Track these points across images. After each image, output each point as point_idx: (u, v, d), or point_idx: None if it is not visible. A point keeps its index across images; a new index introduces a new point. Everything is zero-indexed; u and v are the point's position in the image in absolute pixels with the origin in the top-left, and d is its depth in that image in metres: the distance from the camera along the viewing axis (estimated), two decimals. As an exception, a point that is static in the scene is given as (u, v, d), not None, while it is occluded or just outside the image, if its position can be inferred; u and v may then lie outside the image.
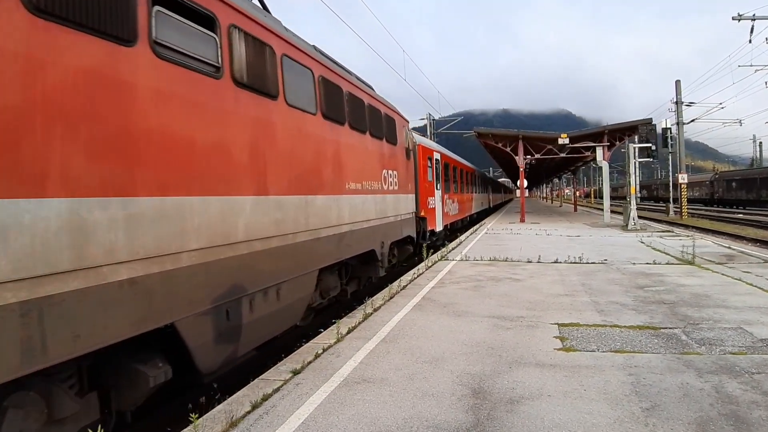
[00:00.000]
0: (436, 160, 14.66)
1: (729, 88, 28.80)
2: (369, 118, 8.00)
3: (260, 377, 4.21)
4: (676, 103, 28.87)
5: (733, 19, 22.29)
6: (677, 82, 29.16)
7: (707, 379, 3.79)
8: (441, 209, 14.84)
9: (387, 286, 7.84)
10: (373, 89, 9.00)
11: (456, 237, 17.00)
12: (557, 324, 5.45)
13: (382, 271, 8.76)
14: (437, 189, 14.47)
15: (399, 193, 9.78)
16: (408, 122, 11.43)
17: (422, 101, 31.85)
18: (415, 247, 11.85)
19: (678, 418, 3.16)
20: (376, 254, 8.27)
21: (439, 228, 14.39)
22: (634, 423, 3.11)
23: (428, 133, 34.21)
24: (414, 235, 11.20)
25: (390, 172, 9.13)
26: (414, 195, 11.38)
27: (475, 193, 26.57)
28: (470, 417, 3.25)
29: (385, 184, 8.80)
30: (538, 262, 10.25)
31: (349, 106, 7.03)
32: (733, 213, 33.91)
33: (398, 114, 10.27)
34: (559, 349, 4.59)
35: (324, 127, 6.10)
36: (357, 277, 8.27)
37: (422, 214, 12.18)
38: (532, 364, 4.22)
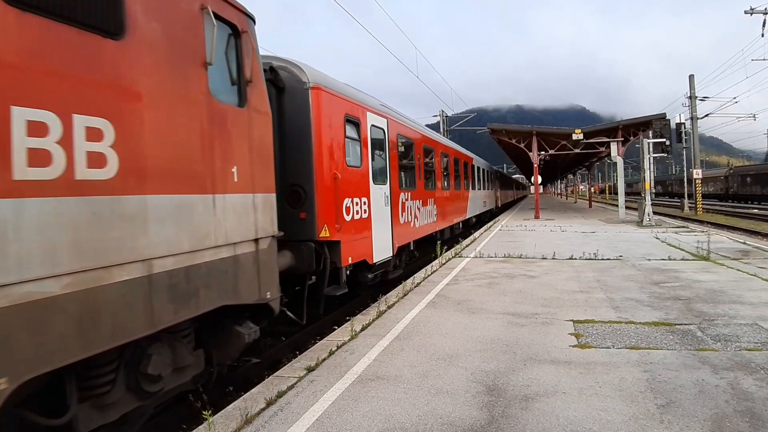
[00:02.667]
0: (375, 127, 7.82)
1: (742, 83, 28.17)
2: None
3: (275, 374, 4.28)
4: (690, 97, 28.34)
5: (746, 13, 21.83)
6: (691, 77, 28.61)
7: (723, 375, 3.76)
8: (391, 220, 8.33)
9: (401, 283, 7.89)
10: None
11: (422, 261, 11.01)
12: (572, 321, 5.44)
13: None
14: (380, 183, 7.88)
15: (162, 191, 3.30)
16: (253, 20, 4.60)
17: (435, 98, 31.75)
18: (297, 312, 5.78)
19: (693, 414, 3.15)
20: None
21: (384, 255, 7.85)
22: (649, 420, 3.10)
23: (441, 129, 34.11)
24: (269, 295, 4.46)
25: (103, 126, 2.85)
26: (273, 195, 4.75)
27: (474, 189, 19.72)
28: (485, 414, 3.28)
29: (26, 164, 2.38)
30: (553, 258, 10.19)
31: None
32: (748, 208, 33.15)
33: None
34: (574, 346, 4.58)
35: None
36: None
37: (327, 235, 5.98)
38: (547, 361, 4.23)
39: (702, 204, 29.54)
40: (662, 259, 9.63)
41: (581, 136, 21.04)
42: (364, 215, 7.15)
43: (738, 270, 8.24)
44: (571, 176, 62.38)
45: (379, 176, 7.97)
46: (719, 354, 4.23)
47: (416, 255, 10.72)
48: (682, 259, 9.59)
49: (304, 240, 5.85)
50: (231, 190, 3.94)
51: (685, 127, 22.07)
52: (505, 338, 4.91)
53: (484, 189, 23.07)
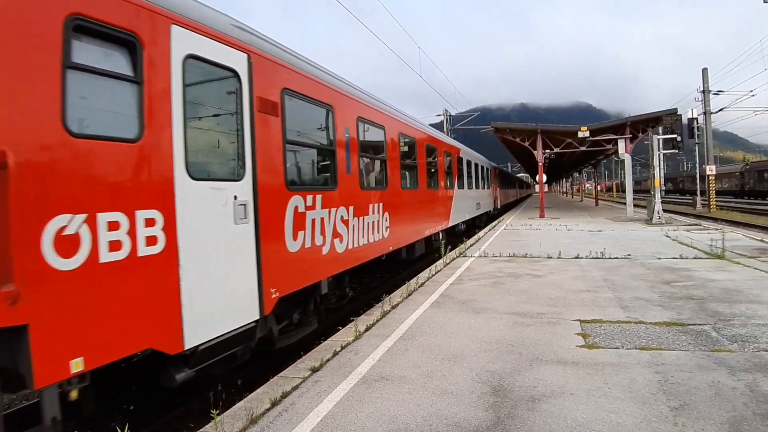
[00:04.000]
0: (204, 63, 3.94)
1: (760, 75, 27.63)
2: None
3: (279, 374, 4.25)
4: (703, 92, 27.93)
5: (765, 2, 21.42)
6: (704, 71, 28.21)
7: (740, 377, 3.63)
8: (258, 248, 4.39)
9: (405, 283, 7.82)
10: None
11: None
12: (579, 320, 5.32)
13: None
14: (214, 178, 4.08)
15: None
16: None
17: (438, 98, 31.65)
18: None
19: (709, 417, 3.04)
20: None
21: (229, 324, 3.96)
22: (662, 422, 3.00)
23: (445, 129, 33.98)
24: None
25: None
26: None
27: (462, 188, 15.70)
28: (490, 415, 3.20)
29: None
30: (559, 257, 10.05)
31: None
32: (766, 205, 32.58)
33: None
34: (581, 346, 4.48)
35: None
36: None
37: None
38: (554, 361, 4.13)
39: (716, 201, 29.09)
40: (673, 258, 9.45)
41: (587, 134, 20.81)
42: (148, 249, 3.28)
43: (755, 269, 8.03)
44: (576, 174, 61.89)
45: (215, 162, 4.24)
46: (736, 355, 4.10)
47: (349, 294, 7.12)
48: (694, 258, 9.40)
49: None
50: None
51: (697, 123, 21.70)
52: (510, 338, 4.82)
53: (476, 188, 19.06)
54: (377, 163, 8.14)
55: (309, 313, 5.78)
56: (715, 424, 2.96)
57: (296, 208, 5.15)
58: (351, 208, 6.57)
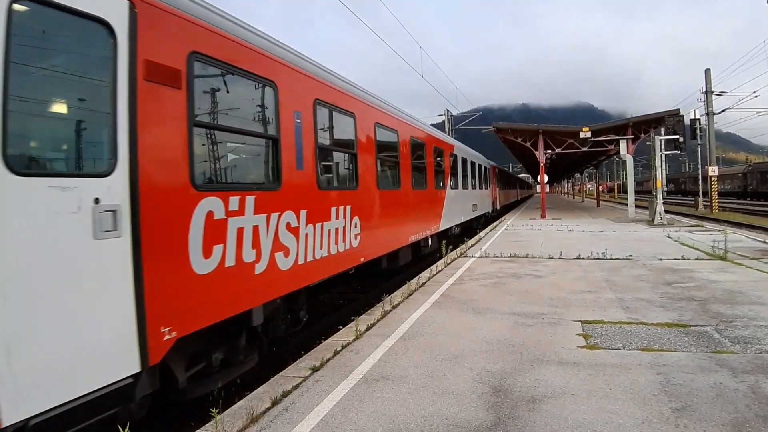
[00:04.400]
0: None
1: (763, 76, 27.56)
2: None
3: (280, 374, 4.25)
4: (706, 92, 27.88)
5: None
6: (707, 71, 28.15)
7: (742, 379, 3.62)
8: (137, 274, 3.04)
9: (405, 283, 7.82)
10: None
11: None
12: (580, 321, 5.31)
13: None
14: (50, 173, 2.75)
15: None
16: None
17: (440, 98, 31.67)
18: None
19: (711, 419, 3.02)
20: None
21: (69, 391, 2.64)
22: (663, 424, 2.99)
23: (446, 129, 33.97)
24: None
25: None
26: None
27: (456, 189, 14.51)
28: (491, 415, 3.19)
29: None
30: (560, 258, 10.04)
31: None
32: (768, 206, 32.52)
33: None
34: (582, 347, 4.47)
35: None
36: None
37: None
38: (555, 362, 4.12)
39: (718, 202, 29.03)
40: (675, 259, 9.42)
41: (589, 134, 20.78)
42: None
43: (758, 270, 8.00)
44: (578, 175, 61.85)
45: (59, 151, 3.08)
46: (738, 357, 4.09)
47: (304, 318, 5.91)
48: (696, 259, 9.37)
49: None
50: None
51: (700, 123, 21.62)
52: (511, 339, 4.81)
53: (473, 188, 17.69)
54: (344, 158, 6.74)
55: (239, 349, 4.45)
56: (717, 425, 2.94)
57: (210, 214, 3.78)
58: (303, 213, 5.21)
